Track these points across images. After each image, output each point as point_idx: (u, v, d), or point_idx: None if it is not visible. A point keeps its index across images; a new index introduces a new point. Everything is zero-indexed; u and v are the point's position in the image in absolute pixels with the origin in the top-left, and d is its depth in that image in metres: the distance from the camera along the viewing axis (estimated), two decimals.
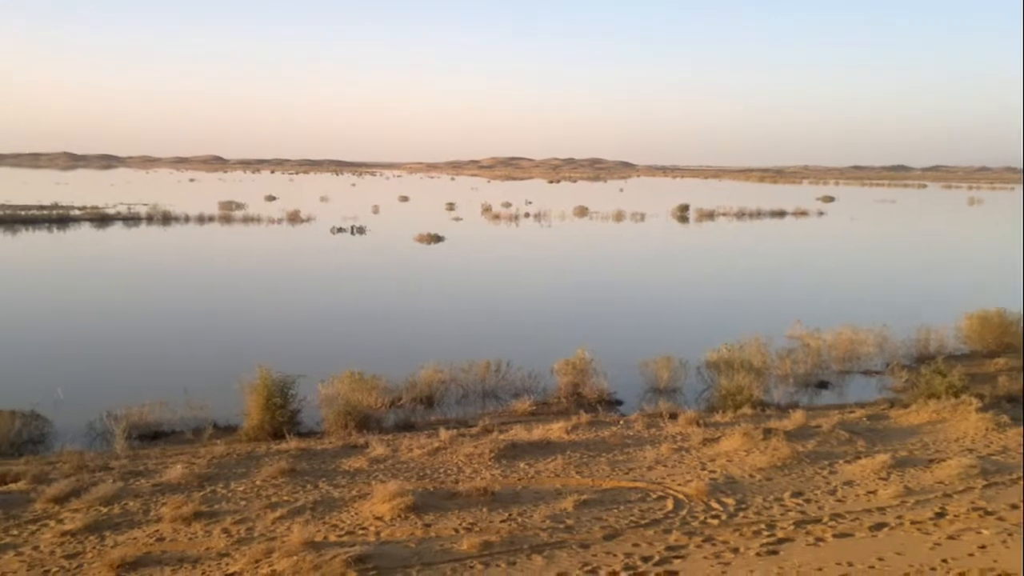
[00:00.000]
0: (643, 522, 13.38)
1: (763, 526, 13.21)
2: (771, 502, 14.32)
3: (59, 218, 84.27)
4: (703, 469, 16.14)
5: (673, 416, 20.06)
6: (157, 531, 13.04)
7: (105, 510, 13.89)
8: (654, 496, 14.64)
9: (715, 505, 14.16)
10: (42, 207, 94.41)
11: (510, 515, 13.65)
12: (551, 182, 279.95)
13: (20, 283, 45.63)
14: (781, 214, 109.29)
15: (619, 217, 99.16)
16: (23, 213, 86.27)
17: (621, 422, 19.79)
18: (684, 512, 13.85)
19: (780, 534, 12.88)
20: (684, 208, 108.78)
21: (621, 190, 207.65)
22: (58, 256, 60.29)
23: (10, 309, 37.34)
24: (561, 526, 13.20)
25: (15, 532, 13.07)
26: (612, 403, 22.91)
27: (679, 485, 15.18)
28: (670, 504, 14.21)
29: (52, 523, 13.36)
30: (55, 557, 12.12)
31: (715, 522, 13.40)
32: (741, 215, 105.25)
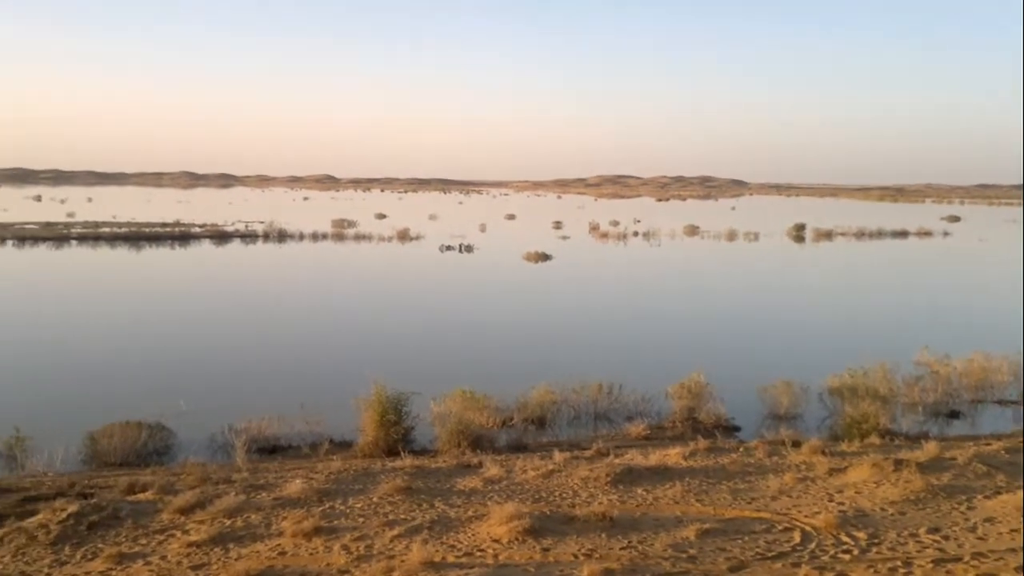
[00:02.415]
0: (770, 554, 12.85)
1: (899, 563, 12.52)
2: (906, 537, 13.58)
3: (180, 235, 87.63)
4: (830, 500, 15.45)
5: (796, 444, 19.34)
6: (279, 545, 13.18)
7: (228, 522, 14.13)
8: (780, 527, 14.06)
9: (846, 539, 13.50)
10: (164, 224, 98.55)
11: (630, 542, 13.31)
12: (659, 200, 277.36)
13: (145, 299, 47.47)
14: (903, 234, 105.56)
15: (731, 236, 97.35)
16: (147, 230, 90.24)
17: (741, 449, 19.18)
18: (813, 545, 13.25)
19: (918, 572, 12.17)
20: (800, 227, 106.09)
21: (733, 208, 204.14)
22: (180, 272, 62.61)
23: (136, 323, 38.86)
24: (684, 555, 12.79)
25: (144, 541, 13.40)
26: (730, 429, 22.31)
27: (806, 517, 14.55)
28: (797, 536, 13.62)
29: (179, 533, 13.66)
30: (182, 567, 12.36)
31: (847, 557, 12.76)
32: (860, 235, 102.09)
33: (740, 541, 13.40)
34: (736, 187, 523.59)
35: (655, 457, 18.05)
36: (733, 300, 49.99)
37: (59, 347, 32.74)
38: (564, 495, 15.69)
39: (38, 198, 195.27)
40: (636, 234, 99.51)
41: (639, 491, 15.95)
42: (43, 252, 71.92)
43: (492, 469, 17.16)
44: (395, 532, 13.60)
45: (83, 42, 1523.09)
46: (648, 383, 24.40)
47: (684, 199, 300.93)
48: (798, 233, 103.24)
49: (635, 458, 18.08)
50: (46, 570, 12.31)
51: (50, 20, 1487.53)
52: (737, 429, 22.48)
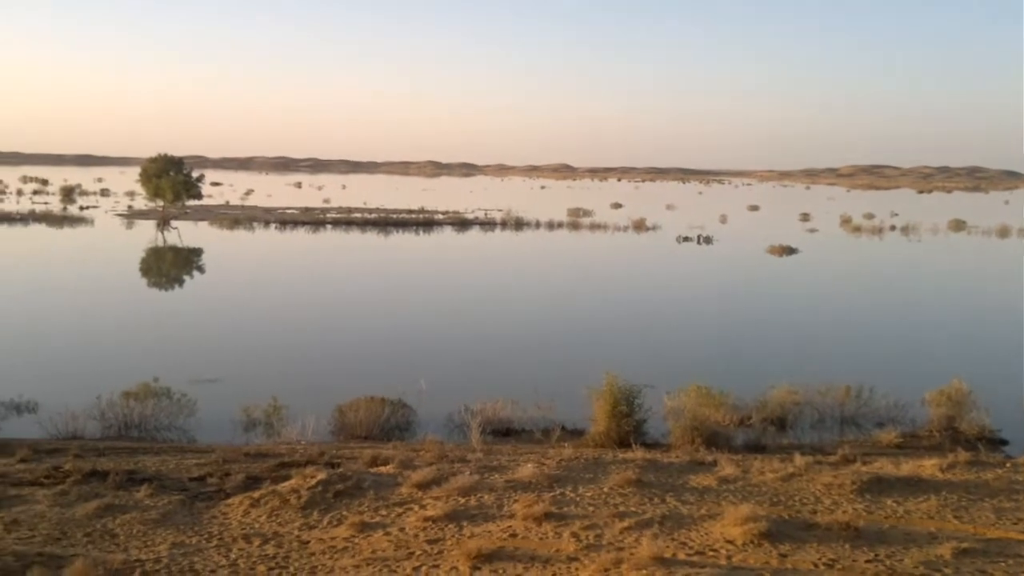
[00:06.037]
0: None
1: None
2: None
3: (425, 222, 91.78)
4: None
5: None
6: (510, 527, 13.31)
7: (463, 501, 14.44)
8: None
9: None
10: (410, 211, 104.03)
11: (876, 555, 12.36)
12: (921, 192, 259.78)
13: (391, 281, 50.00)
14: None
15: (1003, 232, 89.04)
16: (394, 217, 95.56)
17: (1008, 464, 17.39)
18: None
19: None
20: None
21: (1007, 202, 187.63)
22: (424, 257, 65.44)
23: (382, 304, 41.00)
24: (937, 574, 11.71)
25: (384, 512, 13.96)
26: (995, 442, 20.34)
27: None
28: None
29: (416, 508, 14.12)
30: (418, 541, 12.75)
31: None
32: None
33: (1003, 564, 12.11)
34: (1010, 178, 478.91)
35: (908, 467, 16.73)
36: (1003, 302, 45.76)
37: (314, 324, 35.10)
38: (804, 500, 14.84)
39: (298, 185, 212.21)
40: (893, 228, 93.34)
41: (888, 502, 14.81)
42: (302, 235, 77.65)
43: (727, 468, 16.53)
44: (625, 524, 13.36)
45: (336, 40, 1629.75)
46: (902, 388, 22.72)
47: (949, 191, 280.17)
48: None
49: (885, 467, 16.82)
50: (296, 532, 13.10)
51: (303, 23, 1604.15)
52: (1004, 443, 20.45)
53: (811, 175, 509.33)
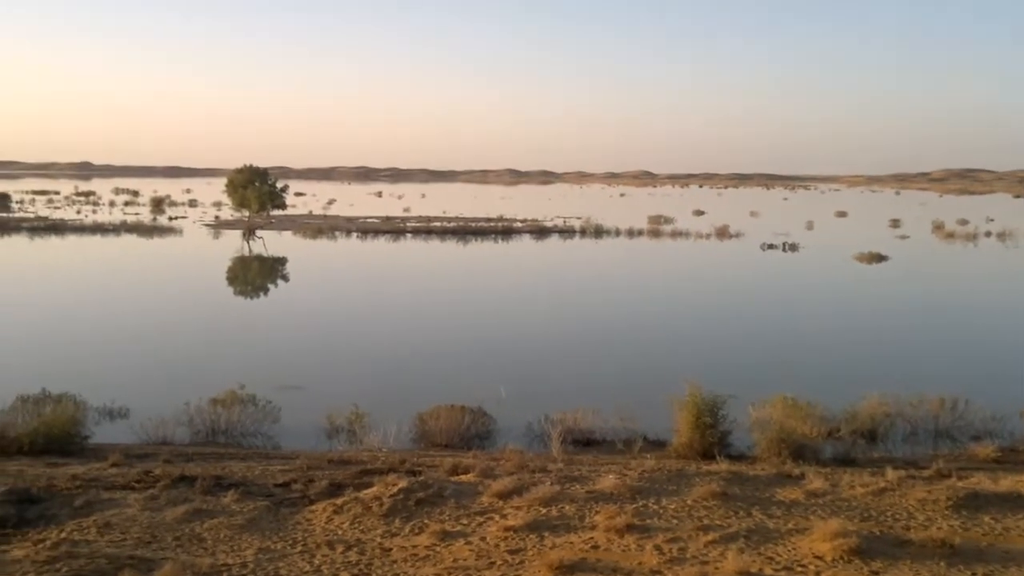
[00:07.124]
0: None
1: None
2: None
3: (503, 230, 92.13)
4: None
5: None
6: (591, 538, 13.14)
7: (544, 511, 14.32)
8: None
9: None
10: (489, 219, 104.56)
11: (973, 574, 11.89)
12: (1018, 197, 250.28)
13: (469, 289, 50.22)
14: None
15: None
16: (473, 225, 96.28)
17: None
18: None
19: None
20: None
21: None
22: (502, 265, 65.60)
23: (462, 312, 41.18)
24: None
25: (465, 521, 13.94)
26: None
27: None
28: None
29: (497, 517, 14.06)
30: (499, 550, 12.68)
31: None
32: None
33: None
34: None
35: (1006, 483, 16.03)
36: None
37: (394, 332, 35.43)
38: (897, 516, 14.32)
39: (379, 194, 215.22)
40: (988, 234, 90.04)
41: (986, 519, 14.20)
42: (382, 244, 78.62)
43: (815, 482, 16.07)
44: (709, 537, 13.08)
45: (413, 52, 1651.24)
46: (999, 400, 21.88)
47: None
48: None
49: (982, 482, 16.16)
50: (378, 539, 13.16)
51: (380, 35, 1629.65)
52: None
53: (901, 180, 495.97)
